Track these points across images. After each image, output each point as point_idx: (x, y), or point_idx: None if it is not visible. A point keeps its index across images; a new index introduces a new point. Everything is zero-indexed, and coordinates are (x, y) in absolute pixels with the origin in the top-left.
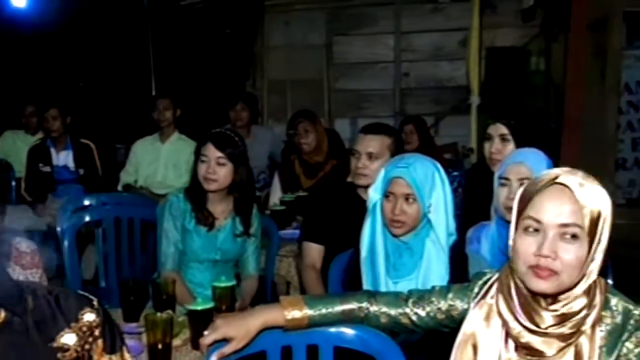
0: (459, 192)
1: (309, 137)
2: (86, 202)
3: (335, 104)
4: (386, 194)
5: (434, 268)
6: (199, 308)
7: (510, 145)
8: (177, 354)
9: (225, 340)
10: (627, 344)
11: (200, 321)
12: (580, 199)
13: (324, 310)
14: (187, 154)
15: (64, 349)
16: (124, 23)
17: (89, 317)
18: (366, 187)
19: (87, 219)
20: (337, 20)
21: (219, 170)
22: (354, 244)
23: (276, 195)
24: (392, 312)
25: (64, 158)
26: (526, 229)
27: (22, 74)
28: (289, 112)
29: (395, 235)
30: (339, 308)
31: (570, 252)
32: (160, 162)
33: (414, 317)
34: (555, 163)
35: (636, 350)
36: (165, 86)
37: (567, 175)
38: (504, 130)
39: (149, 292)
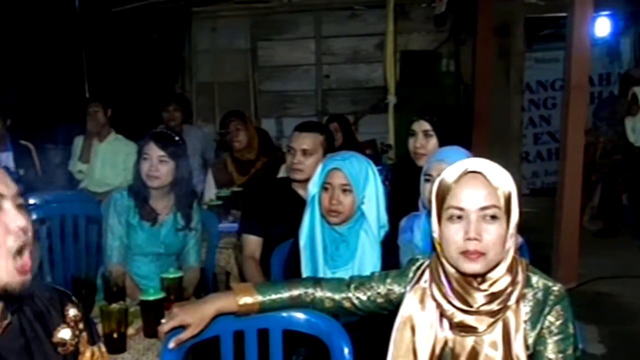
0: (385, 185)
1: (240, 135)
2: (31, 201)
3: (261, 104)
4: (324, 186)
5: (368, 258)
6: (151, 298)
7: (433, 140)
8: (131, 342)
9: (182, 327)
10: (548, 317)
11: (151, 310)
12: (493, 182)
13: (273, 296)
14: (124, 153)
15: (62, 343)
16: (57, 28)
17: (73, 311)
18: (301, 181)
19: (34, 216)
20: (260, 26)
21: (161, 168)
22: (290, 235)
23: (211, 191)
24: (336, 296)
25: (4, 159)
26: (450, 217)
27: None
28: (217, 113)
29: (331, 225)
30: (287, 294)
31: (492, 232)
32: (97, 160)
33: (356, 302)
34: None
35: (557, 323)
36: (98, 89)
37: (477, 164)
38: (427, 126)
39: (97, 286)
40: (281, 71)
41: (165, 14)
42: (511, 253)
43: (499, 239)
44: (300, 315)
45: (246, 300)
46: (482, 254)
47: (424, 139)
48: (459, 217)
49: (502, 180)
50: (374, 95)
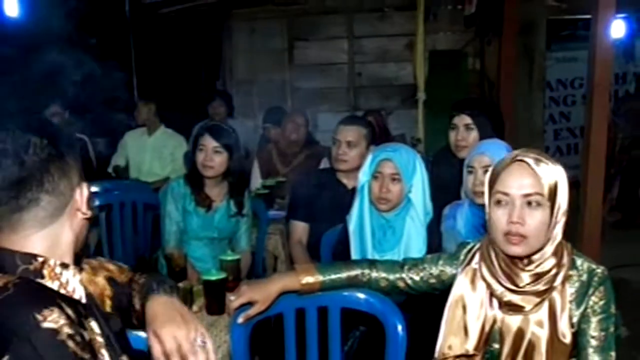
0: None
1: (301, 131)
2: (93, 189)
3: (296, 100)
4: (375, 175)
5: (414, 243)
6: (213, 278)
7: (474, 133)
8: None
9: (249, 304)
10: (592, 297)
11: (213, 290)
12: (538, 171)
13: (333, 276)
14: (171, 146)
15: None
16: (108, 31)
17: None
18: (345, 171)
19: (97, 203)
20: (296, 27)
21: (215, 158)
22: (335, 221)
23: (256, 180)
24: (391, 277)
25: None
26: (497, 202)
27: (21, 77)
28: (255, 109)
29: (380, 211)
30: (345, 274)
31: (535, 218)
32: (146, 153)
33: (409, 282)
34: None
35: (600, 303)
36: (146, 87)
37: (525, 153)
38: (467, 120)
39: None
40: (316, 69)
41: (207, 15)
42: (558, 238)
43: (541, 224)
44: (357, 294)
45: (308, 279)
46: (523, 238)
47: (465, 132)
48: (505, 202)
49: (548, 170)
50: (402, 93)
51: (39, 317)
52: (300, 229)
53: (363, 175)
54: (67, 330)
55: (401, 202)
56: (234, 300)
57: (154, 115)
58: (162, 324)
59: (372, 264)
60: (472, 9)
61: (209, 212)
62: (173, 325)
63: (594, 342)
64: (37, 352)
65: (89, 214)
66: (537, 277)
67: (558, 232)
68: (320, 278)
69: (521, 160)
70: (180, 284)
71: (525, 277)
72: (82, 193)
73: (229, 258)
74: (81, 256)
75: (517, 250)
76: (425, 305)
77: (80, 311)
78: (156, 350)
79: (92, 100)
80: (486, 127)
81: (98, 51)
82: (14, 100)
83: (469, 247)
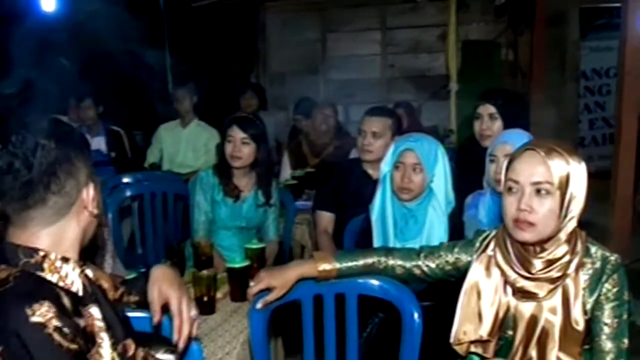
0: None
1: (331, 122)
2: (125, 180)
3: (329, 92)
4: (396, 165)
5: (435, 232)
6: (237, 266)
7: (498, 123)
8: (219, 305)
9: (268, 290)
10: (605, 285)
11: (237, 277)
12: (549, 160)
13: (349, 263)
14: (205, 138)
15: None
16: (143, 24)
17: None
18: (370, 161)
19: (128, 193)
20: (329, 19)
21: (243, 149)
22: (361, 211)
23: (286, 171)
24: (407, 264)
25: (97, 143)
26: (509, 189)
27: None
28: (288, 101)
29: (402, 201)
30: (361, 261)
31: (543, 206)
32: (181, 144)
33: (425, 269)
34: None
35: (613, 290)
36: (180, 79)
37: (538, 143)
38: (492, 109)
39: (185, 255)
40: (348, 61)
41: (241, 8)
42: (570, 226)
43: (549, 212)
44: (373, 281)
45: (325, 266)
46: (532, 225)
47: (489, 121)
48: (515, 190)
49: (561, 160)
50: (435, 84)
51: (29, 312)
52: (326, 218)
53: (385, 165)
54: (54, 322)
55: (423, 192)
56: (252, 286)
57: (190, 107)
58: (169, 287)
59: (389, 251)
60: None
61: (237, 202)
62: (174, 286)
63: (606, 329)
64: (25, 345)
65: (95, 212)
66: (549, 263)
67: (571, 221)
68: (337, 265)
69: (533, 150)
70: (205, 272)
71: (537, 264)
72: (89, 192)
73: (254, 247)
74: (95, 250)
75: (525, 236)
76: (447, 294)
77: (77, 300)
78: (158, 304)
79: (127, 93)
80: (510, 117)
81: (132, 44)
82: (50, 93)
83: (484, 234)
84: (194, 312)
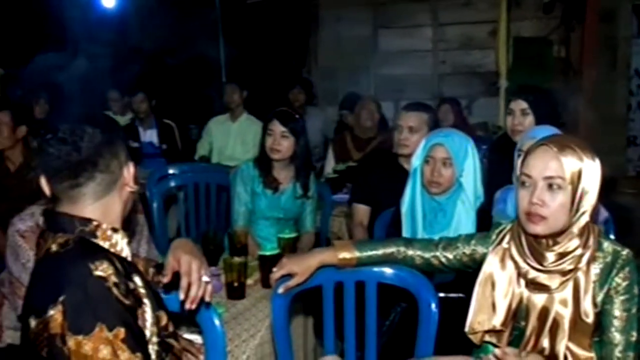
0: (483, 162)
1: (375, 117)
2: (170, 171)
3: (379, 88)
4: (427, 159)
5: (463, 226)
6: (268, 254)
7: (530, 118)
8: (249, 291)
9: (290, 276)
10: (616, 278)
11: (268, 264)
12: (561, 156)
13: (369, 252)
14: (254, 131)
15: None
16: (198, 19)
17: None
18: (407, 156)
19: (172, 184)
20: (381, 14)
21: (282, 142)
22: (395, 204)
23: (330, 165)
24: (425, 254)
25: (149, 135)
26: (522, 183)
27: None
28: (339, 96)
29: (431, 194)
30: (381, 251)
31: (555, 200)
32: (230, 138)
33: (443, 259)
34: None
35: (624, 284)
36: (234, 74)
37: (552, 138)
38: (523, 105)
39: (224, 245)
40: (399, 57)
41: (294, 4)
42: (582, 220)
43: (561, 207)
44: (392, 270)
45: (345, 255)
46: (543, 218)
47: (521, 117)
48: (528, 184)
49: (572, 156)
50: (486, 80)
51: (92, 267)
52: (361, 211)
53: (416, 159)
54: (114, 279)
55: (452, 186)
56: (275, 271)
57: (240, 101)
58: (183, 253)
59: (409, 242)
60: None
61: (276, 194)
62: (191, 256)
63: (616, 322)
64: (88, 294)
65: (135, 187)
66: (561, 256)
67: (583, 215)
68: (357, 254)
69: (546, 145)
70: (236, 258)
71: (550, 256)
72: (130, 170)
73: (286, 236)
74: (132, 235)
75: (536, 229)
76: (467, 288)
77: (126, 266)
78: (171, 268)
79: (184, 88)
80: (542, 113)
81: (189, 41)
82: (108, 85)
83: (501, 227)
84: (205, 277)
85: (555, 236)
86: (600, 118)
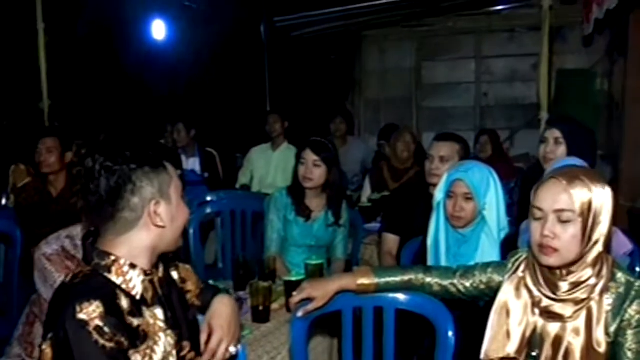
0: (515, 192)
1: (411, 148)
2: (208, 198)
3: (422, 119)
4: (449, 194)
5: (487, 258)
6: (293, 279)
7: (562, 147)
8: (274, 315)
9: (309, 300)
10: (629, 310)
11: (293, 289)
12: (571, 189)
13: (388, 279)
14: (294, 161)
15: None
16: (246, 52)
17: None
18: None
19: (208, 210)
20: (425, 47)
21: (315, 171)
22: (424, 234)
23: (366, 195)
24: (444, 282)
25: (192, 163)
26: (534, 215)
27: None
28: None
29: (455, 227)
30: (400, 277)
31: (566, 232)
32: (271, 166)
33: (460, 287)
34: (616, 174)
35: (637, 317)
36: (278, 105)
37: (563, 171)
38: (557, 134)
39: (255, 270)
40: (443, 89)
41: (338, 37)
42: (594, 250)
43: (572, 238)
44: (408, 297)
45: (363, 281)
46: (555, 250)
47: (554, 146)
48: (539, 216)
49: (582, 189)
50: (529, 112)
51: (77, 309)
52: (391, 241)
53: (439, 193)
54: (96, 322)
55: (475, 219)
56: (294, 295)
57: (282, 131)
58: (219, 325)
59: (427, 269)
60: (589, 28)
61: (308, 222)
62: (225, 331)
63: (630, 355)
64: (68, 337)
65: (161, 224)
66: (575, 285)
67: (596, 245)
68: (376, 280)
69: (556, 178)
70: (262, 283)
71: (564, 286)
72: (157, 208)
73: (313, 262)
74: (175, 257)
75: (549, 261)
76: (472, 304)
77: (138, 302)
78: (205, 334)
79: (230, 118)
80: (575, 144)
81: (236, 72)
82: (154, 116)
83: (517, 256)
84: (233, 349)
85: (569, 266)
86: None
